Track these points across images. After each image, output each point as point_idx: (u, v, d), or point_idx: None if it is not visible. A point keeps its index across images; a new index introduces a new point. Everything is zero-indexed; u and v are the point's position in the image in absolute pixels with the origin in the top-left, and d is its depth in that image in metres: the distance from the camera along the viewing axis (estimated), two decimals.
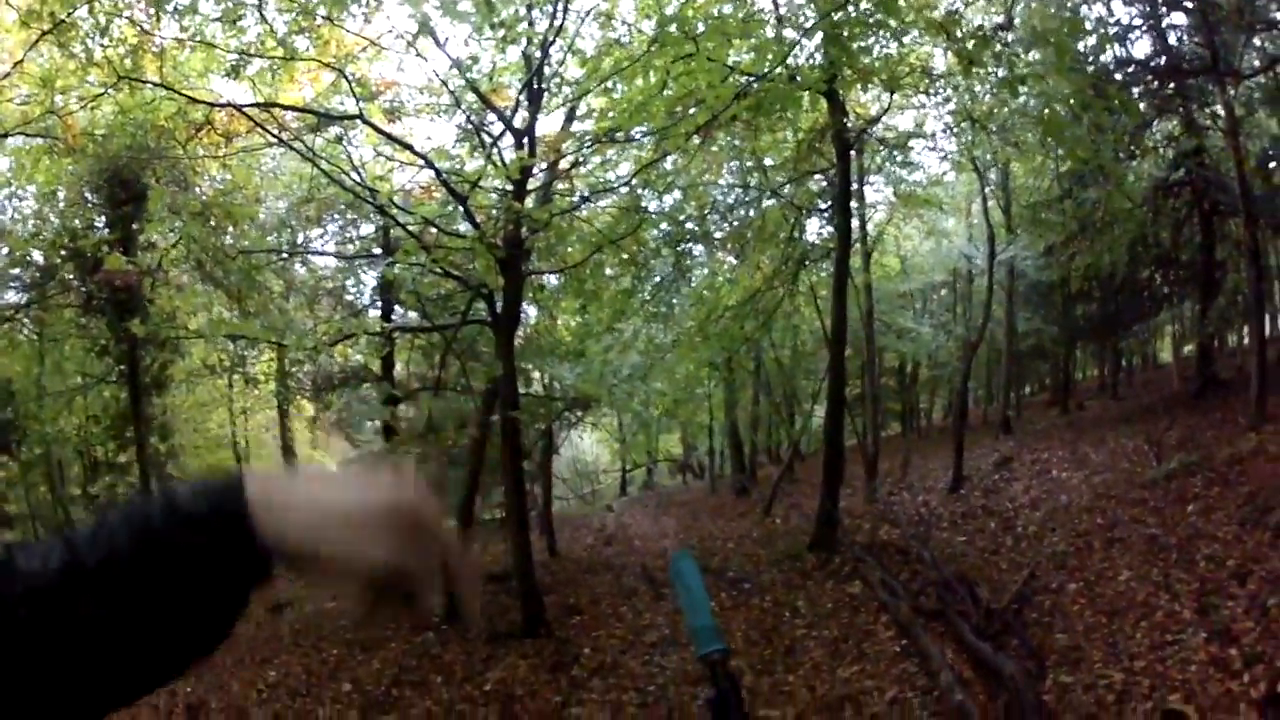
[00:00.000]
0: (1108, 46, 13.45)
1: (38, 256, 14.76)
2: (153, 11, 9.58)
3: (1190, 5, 13.72)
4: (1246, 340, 15.06)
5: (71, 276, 14.13)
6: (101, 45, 9.79)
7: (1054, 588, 8.13)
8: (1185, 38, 14.77)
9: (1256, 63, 13.62)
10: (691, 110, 7.88)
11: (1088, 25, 13.58)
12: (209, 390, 17.14)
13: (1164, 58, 14.38)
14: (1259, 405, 11.16)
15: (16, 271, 14.95)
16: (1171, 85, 14.35)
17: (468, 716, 8.00)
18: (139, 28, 9.70)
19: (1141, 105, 14.05)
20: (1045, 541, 9.70)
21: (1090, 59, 13.04)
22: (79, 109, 11.07)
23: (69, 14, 9.39)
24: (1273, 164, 15.42)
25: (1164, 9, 14.64)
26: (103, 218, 13.85)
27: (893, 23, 8.22)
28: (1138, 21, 14.64)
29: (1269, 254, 16.47)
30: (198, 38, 9.38)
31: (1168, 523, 8.67)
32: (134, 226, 13.60)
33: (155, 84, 9.59)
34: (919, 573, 9.41)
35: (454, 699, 8.62)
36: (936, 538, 10.56)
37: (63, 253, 13.79)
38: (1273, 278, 16.99)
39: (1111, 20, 14.19)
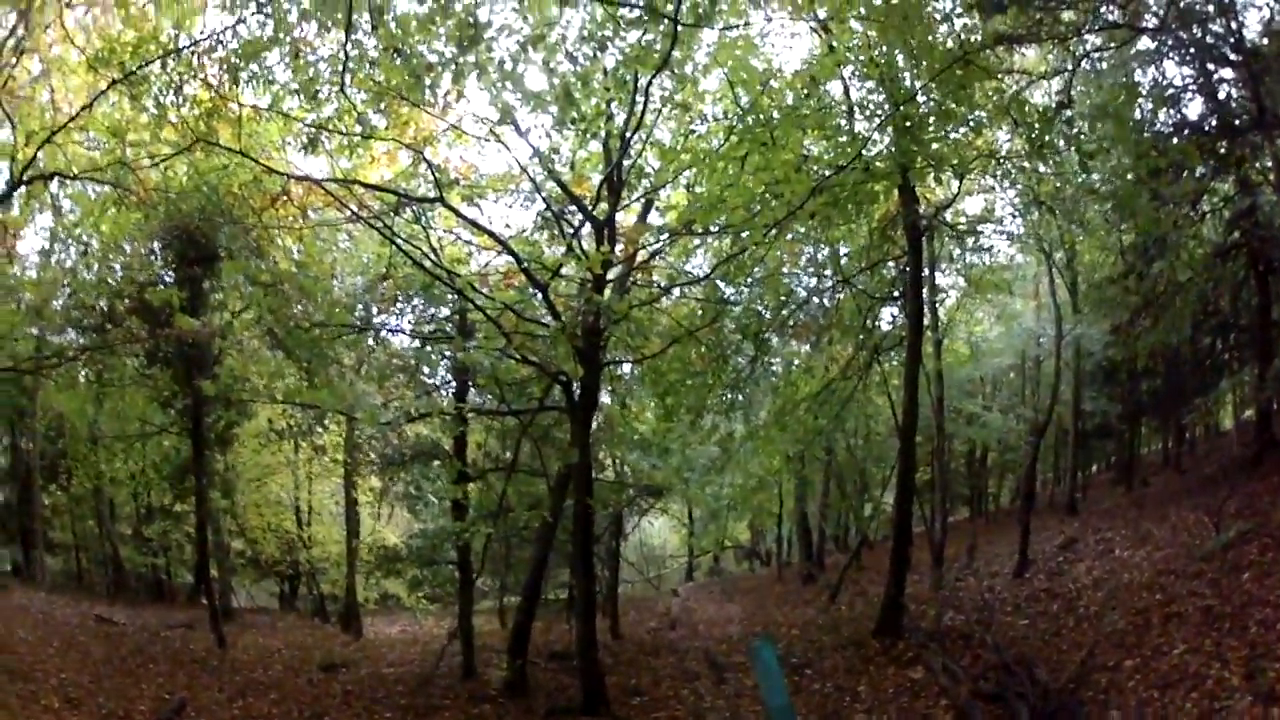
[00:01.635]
0: (1161, 111, 13.47)
1: (101, 303, 15.04)
2: (228, 77, 9.63)
3: (1236, 59, 13.68)
4: None
5: (136, 328, 14.45)
6: (175, 103, 9.73)
7: (1111, 666, 8.14)
8: (1233, 93, 14.69)
9: None
10: (771, 203, 8.05)
11: (1142, 91, 13.64)
12: (274, 453, 17.43)
13: (1215, 116, 14.33)
14: None
15: (78, 314, 15.22)
16: (1224, 143, 14.29)
17: None
18: (214, 91, 9.67)
19: (1199, 170, 14.02)
20: (1105, 620, 9.67)
21: (1146, 126, 13.06)
22: (151, 165, 11.25)
23: (139, 67, 9.38)
24: None
25: (1213, 66, 14.60)
26: (170, 274, 14.12)
27: (962, 109, 8.36)
28: (1189, 82, 14.62)
29: None
30: (274, 108, 9.54)
31: (1223, 593, 8.60)
32: (204, 285, 13.82)
33: (230, 149, 9.63)
34: (980, 657, 9.41)
35: None
36: (1000, 621, 10.53)
37: (126, 301, 14.06)
38: None
39: (1164, 83, 14.19)
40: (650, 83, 8.07)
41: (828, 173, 7.97)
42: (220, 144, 9.78)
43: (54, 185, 12.99)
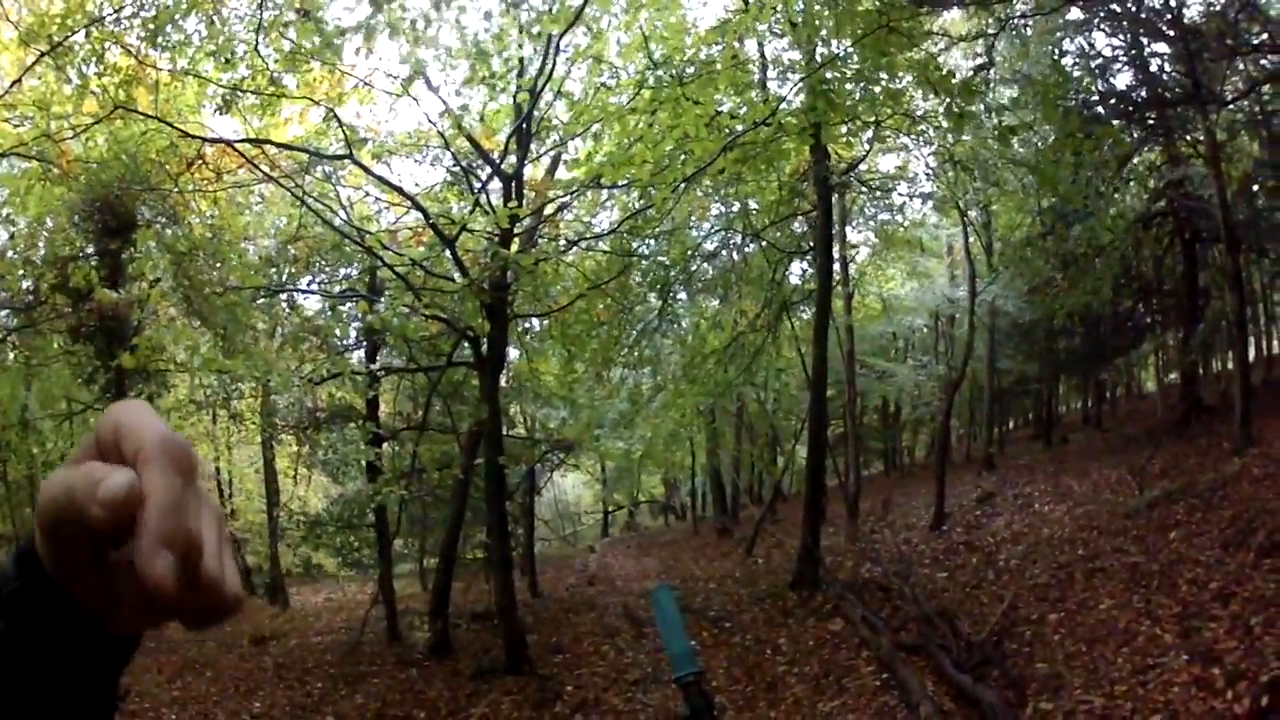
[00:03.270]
0: (1088, 79, 13.63)
1: (26, 283, 14.71)
2: (146, 42, 9.58)
3: (1172, 34, 13.86)
4: (1230, 365, 15.19)
5: (60, 303, 14.12)
6: (96, 72, 9.74)
7: (1035, 619, 8.18)
8: (1167, 67, 14.92)
9: (1241, 86, 13.74)
10: (680, 159, 7.97)
11: (1068, 59, 13.79)
12: (194, 425, 17.13)
13: (1145, 89, 14.54)
14: (1243, 429, 11.20)
15: (5, 295, 14.88)
16: (1153, 116, 14.52)
17: None
18: (133, 57, 9.68)
19: (1124, 137, 14.21)
20: (1026, 574, 9.77)
21: (1072, 94, 13.21)
22: (73, 136, 11.07)
23: (66, 37, 9.34)
24: (1255, 188, 15.59)
25: (1146, 39, 14.81)
26: (91, 247, 13.83)
27: (884, 76, 8.33)
28: (1119, 54, 14.82)
29: (1251, 278, 16.66)
30: (190, 71, 9.44)
31: (1150, 550, 8.68)
32: (123, 257, 13.60)
33: (148, 115, 9.61)
34: (900, 609, 9.48)
35: None
36: (918, 574, 10.61)
37: (50, 279, 13.77)
38: (1256, 301, 17.18)
39: (1093, 53, 14.37)
40: (561, 37, 7.98)
41: (739, 129, 7.91)
42: (139, 110, 9.67)
43: None
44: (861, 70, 8.07)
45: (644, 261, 10.35)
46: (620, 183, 8.19)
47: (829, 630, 9.35)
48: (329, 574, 17.22)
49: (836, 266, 12.58)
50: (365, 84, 9.43)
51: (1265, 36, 13.29)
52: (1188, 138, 15.08)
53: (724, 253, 12.66)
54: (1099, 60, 14.22)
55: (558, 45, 8.20)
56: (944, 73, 8.30)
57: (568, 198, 8.83)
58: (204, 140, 10.26)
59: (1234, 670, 5.42)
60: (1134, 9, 13.89)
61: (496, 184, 8.66)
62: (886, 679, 7.54)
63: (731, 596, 11.75)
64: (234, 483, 19.30)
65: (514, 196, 8.54)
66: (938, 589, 9.98)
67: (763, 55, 9.58)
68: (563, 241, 9.35)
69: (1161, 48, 15.09)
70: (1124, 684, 5.96)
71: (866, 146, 11.02)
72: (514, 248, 8.50)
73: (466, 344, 9.09)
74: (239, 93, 9.36)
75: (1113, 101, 14.05)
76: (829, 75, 7.73)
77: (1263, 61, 14.30)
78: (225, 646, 12.43)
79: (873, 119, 8.91)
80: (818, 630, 9.44)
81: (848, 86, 8.40)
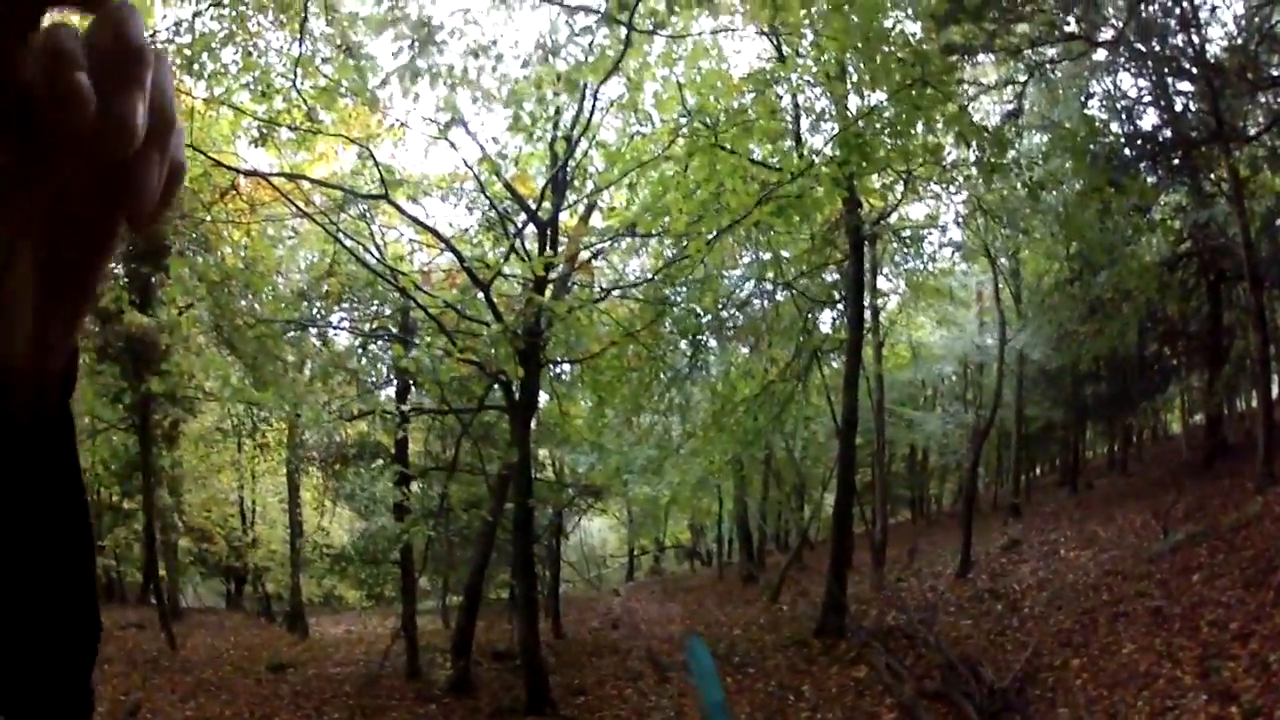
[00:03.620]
0: (1114, 122, 13.63)
1: None
2: (181, 69, 9.74)
3: (1195, 72, 13.85)
4: (1255, 404, 15.08)
5: (88, 324, 14.27)
6: None
7: (1058, 665, 8.22)
8: (1190, 105, 14.89)
9: (1263, 121, 13.70)
10: (714, 210, 8.03)
11: (1094, 102, 13.79)
12: (220, 451, 17.22)
13: (1170, 129, 14.52)
14: (1265, 467, 11.11)
15: None
16: (1178, 156, 14.49)
17: None
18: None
19: (1150, 179, 14.19)
20: (1050, 620, 9.79)
21: (1097, 137, 13.21)
22: None
23: None
24: (1278, 223, 15.49)
25: (1170, 79, 14.79)
26: (120, 269, 13.97)
27: (917, 128, 8.35)
28: (1144, 95, 14.81)
29: (1276, 315, 16.55)
30: (225, 102, 9.56)
31: (1172, 594, 8.70)
32: (152, 281, 13.72)
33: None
34: (924, 656, 9.50)
35: None
36: (943, 621, 10.60)
37: None
38: None
39: (1119, 95, 14.37)
40: (599, 87, 8.06)
41: (773, 181, 7.96)
42: None
43: None
44: (895, 122, 8.12)
45: (675, 309, 10.40)
46: (654, 232, 8.25)
47: (853, 677, 9.38)
48: (349, 606, 17.22)
49: (867, 315, 12.59)
50: (402, 124, 9.55)
51: None
52: (1211, 176, 15.03)
53: (755, 301, 12.71)
54: (1125, 102, 14.22)
55: (595, 94, 8.29)
56: (974, 123, 8.35)
57: (603, 245, 8.90)
58: (237, 171, 10.38)
59: (1250, 707, 5.46)
60: (1158, 48, 13.88)
61: (531, 230, 8.74)
62: None
63: (756, 643, 11.74)
64: (257, 510, 19.41)
65: (549, 243, 8.61)
66: (962, 636, 10.01)
67: (796, 105, 9.64)
68: (598, 289, 9.41)
69: (1185, 86, 15.08)
70: None
71: (898, 197, 11.07)
72: (548, 294, 8.57)
73: (498, 387, 9.15)
74: (274, 126, 9.46)
75: (1139, 143, 14.04)
76: (862, 125, 7.78)
77: None
78: (242, 671, 12.46)
79: (905, 169, 8.95)
80: (841, 677, 9.46)
81: (882, 138, 8.45)
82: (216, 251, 12.13)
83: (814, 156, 7.72)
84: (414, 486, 11.72)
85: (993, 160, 7.77)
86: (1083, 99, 13.16)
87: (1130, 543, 11.57)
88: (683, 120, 8.30)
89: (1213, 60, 12.94)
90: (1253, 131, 14.31)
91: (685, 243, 8.03)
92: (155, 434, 14.53)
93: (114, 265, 14.18)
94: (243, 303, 11.16)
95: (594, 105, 8.24)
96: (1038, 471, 24.82)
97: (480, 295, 8.33)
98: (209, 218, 11.80)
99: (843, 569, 11.05)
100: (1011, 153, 9.38)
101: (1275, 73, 12.74)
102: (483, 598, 11.54)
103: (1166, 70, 14.40)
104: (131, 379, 13.88)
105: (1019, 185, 9.19)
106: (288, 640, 15.50)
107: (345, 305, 11.17)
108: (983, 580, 12.35)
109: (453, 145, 8.47)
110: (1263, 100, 14.02)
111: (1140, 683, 6.79)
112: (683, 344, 11.50)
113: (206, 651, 13.62)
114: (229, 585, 21.23)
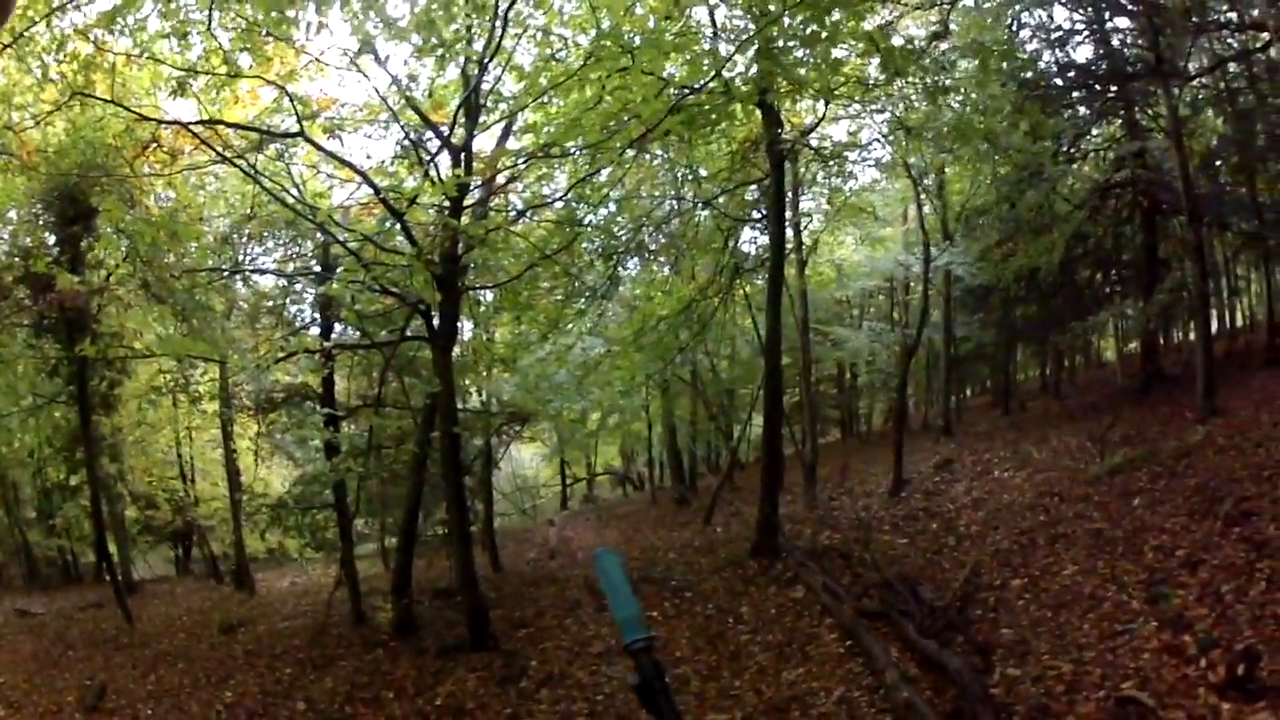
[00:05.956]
0: (1047, 52, 13.74)
1: None
2: (103, 26, 9.61)
3: (1135, 9, 13.93)
4: (1192, 336, 15.34)
5: (24, 297, 14.00)
6: (57, 60, 9.74)
7: (998, 585, 8.17)
8: (1129, 41, 15.01)
9: (1206, 63, 13.84)
10: (628, 123, 7.96)
11: (1026, 32, 13.88)
12: (156, 412, 17.07)
13: (1106, 62, 14.65)
14: (1206, 398, 11.27)
15: None
16: (1114, 89, 14.63)
17: None
18: (92, 42, 9.69)
19: (1083, 109, 14.33)
20: (988, 540, 9.75)
21: (1028, 66, 13.31)
22: (33, 126, 11.07)
23: (29, 28, 9.40)
24: (1218, 163, 15.73)
25: (1107, 14, 14.90)
26: (53, 237, 13.73)
27: (824, 34, 8.33)
28: (1080, 27, 14.92)
29: (1214, 251, 16.84)
30: (146, 54, 9.41)
31: (1113, 517, 8.70)
32: (83, 245, 13.51)
33: (106, 100, 9.60)
34: (861, 575, 9.51)
35: (406, 714, 8.63)
36: (878, 541, 10.63)
37: (15, 274, 13.69)
38: (1219, 275, 17.37)
39: (1052, 26, 14.48)
40: (510, 7, 7.94)
41: (687, 94, 7.90)
42: (96, 96, 9.69)
43: None
44: (809, 36, 8.07)
45: (592, 230, 10.35)
46: (569, 147, 8.16)
47: (790, 598, 9.35)
48: (293, 558, 17.26)
49: (790, 233, 12.63)
50: (317, 60, 9.39)
51: (1233, 15, 13.40)
52: (1149, 112, 15.19)
53: (675, 220, 12.66)
54: (1059, 33, 14.33)
55: (505, 17, 8.16)
56: (888, 41, 8.34)
57: (516, 167, 8.82)
58: (159, 123, 10.22)
59: (1207, 638, 5.39)
60: None
61: (447, 157, 8.63)
62: (850, 646, 7.54)
63: (692, 566, 11.73)
64: (196, 468, 19.25)
65: (464, 168, 8.52)
66: (898, 555, 10.01)
67: (714, 23, 9.58)
68: (512, 212, 9.35)
69: (1124, 22, 15.19)
70: (1092, 650, 5.97)
71: (818, 114, 11.04)
72: (464, 219, 8.49)
73: (419, 318, 9.07)
74: (193, 74, 9.31)
75: (1071, 74, 14.17)
76: (772, 36, 7.73)
77: (1229, 40, 14.43)
78: (196, 636, 12.46)
79: (823, 87, 8.94)
80: (779, 598, 9.43)
81: (797, 54, 8.41)
82: (141, 206, 11.94)
83: (723, 63, 7.64)
84: (346, 428, 11.65)
85: (897, 67, 7.73)
86: (1012, 26, 13.23)
87: (1066, 465, 11.61)
88: (598, 44, 8.21)
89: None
90: (1195, 72, 14.44)
91: (599, 157, 7.98)
92: (94, 401, 14.31)
93: (46, 232, 13.91)
94: (170, 257, 11.00)
95: (505, 28, 8.11)
96: (969, 393, 24.97)
97: (398, 225, 8.23)
98: (133, 173, 11.61)
99: (775, 489, 11.03)
100: (927, 69, 9.39)
101: (1222, 17, 12.86)
102: (419, 535, 11.54)
103: (1105, 5, 14.50)
104: (68, 349, 13.67)
105: (940, 99, 9.20)
106: (236, 599, 15.50)
107: (269, 247, 11.07)
108: (916, 499, 12.37)
109: (363, 74, 8.34)
110: (1206, 45, 14.18)
111: (1085, 605, 6.79)
112: (599, 264, 11.47)
113: (161, 622, 13.68)
114: (177, 550, 21.15)
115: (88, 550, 18.78)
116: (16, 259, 13.64)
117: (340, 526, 12.31)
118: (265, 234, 10.68)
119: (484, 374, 12.29)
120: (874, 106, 10.51)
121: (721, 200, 11.57)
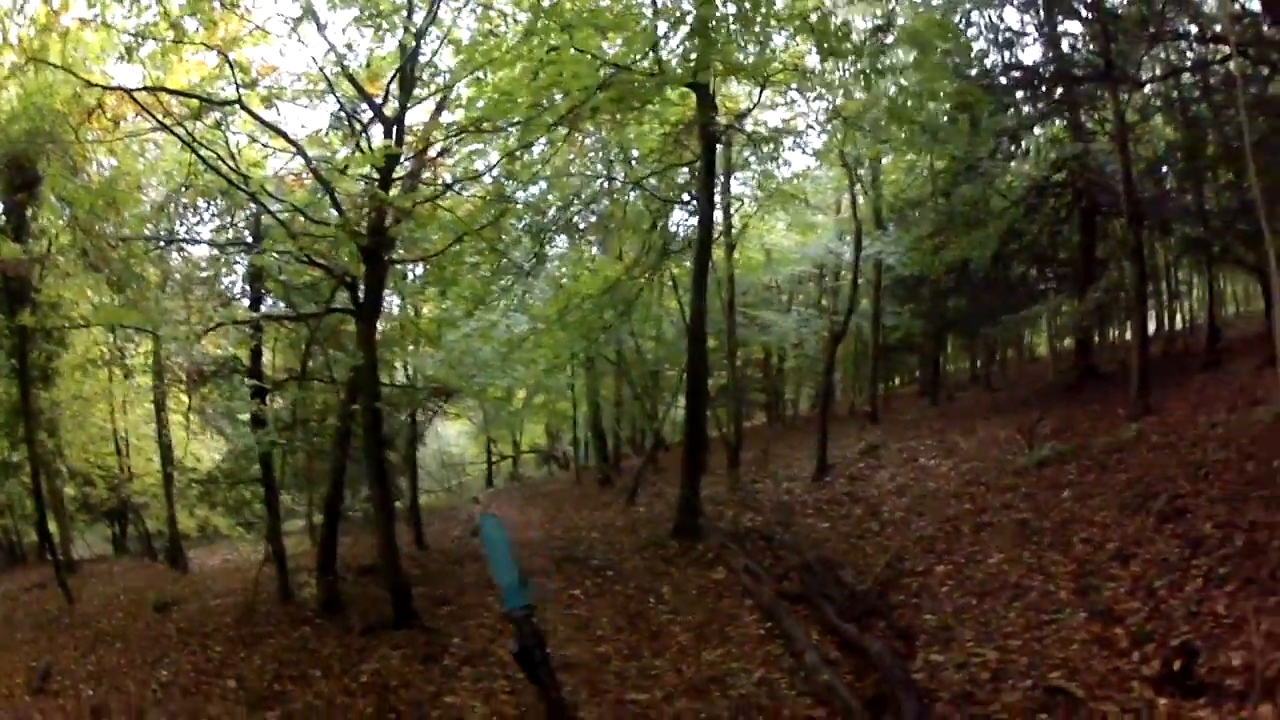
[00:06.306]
0: (995, 52, 13.97)
1: None
2: None
3: (1088, 15, 14.13)
4: (1129, 335, 15.63)
5: None
6: (17, 25, 9.98)
7: (921, 571, 8.28)
8: (1080, 45, 15.22)
9: (1159, 71, 14.07)
10: (557, 99, 8.02)
11: (974, 30, 14.09)
12: (91, 384, 16.90)
13: (1054, 64, 14.88)
14: (1141, 396, 11.43)
15: None
16: (1060, 90, 14.87)
17: (347, 709, 7.89)
18: (49, 7, 9.77)
19: (1026, 109, 14.59)
20: (912, 526, 9.85)
21: (974, 63, 13.51)
22: None
23: None
24: (1164, 169, 16.04)
25: (1060, 18, 15.12)
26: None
27: (759, 17, 8.43)
28: (1030, 29, 15.17)
29: (1156, 255, 17.19)
30: (100, 18, 9.38)
31: (1041, 508, 8.78)
32: (28, 213, 13.32)
33: (57, 66, 9.58)
34: (782, 558, 9.60)
35: (333, 692, 8.52)
36: (800, 524, 10.70)
37: None
38: (1159, 277, 17.75)
39: (1002, 26, 14.71)
40: None
41: (616, 71, 7.98)
42: (49, 62, 9.67)
43: None
44: (745, 16, 8.16)
45: (520, 206, 10.39)
46: (500, 123, 8.21)
47: (711, 579, 9.42)
48: (225, 535, 17.14)
49: (719, 216, 12.77)
50: (260, 28, 9.36)
51: (1194, 28, 13.61)
52: (1095, 115, 15.43)
53: (604, 200, 12.73)
54: (1007, 34, 14.56)
55: None
56: (827, 24, 8.45)
57: (449, 140, 8.84)
58: (104, 88, 10.17)
59: (1140, 632, 5.39)
60: None
61: (380, 128, 8.64)
62: (770, 628, 7.60)
63: (614, 546, 11.78)
64: (131, 444, 19.04)
65: (396, 140, 8.53)
66: (820, 539, 10.11)
67: (654, 3, 9.63)
68: (440, 186, 9.38)
69: (1075, 26, 15.40)
70: (1018, 638, 5.97)
71: (754, 99, 11.14)
72: (394, 191, 8.49)
73: (345, 290, 9.06)
74: (140, 39, 9.28)
75: (1017, 73, 14.41)
76: (707, 16, 7.81)
77: (1186, 50, 14.67)
78: (131, 615, 12.39)
79: (757, 70, 9.02)
80: (700, 579, 9.49)
81: (733, 37, 8.50)
82: (84, 173, 11.83)
83: (658, 40, 7.72)
84: (274, 403, 11.59)
85: (834, 47, 7.83)
86: (961, 24, 13.41)
87: (994, 455, 11.73)
88: (535, 19, 8.26)
89: (1109, 6, 13.16)
90: (1146, 79, 14.67)
91: (529, 132, 8.02)
92: (32, 374, 14.11)
93: None
94: (109, 227, 10.91)
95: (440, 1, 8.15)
96: (898, 382, 25.05)
97: (327, 196, 8.23)
98: (77, 139, 11.50)
99: (696, 471, 11.09)
100: (879, 60, 9.50)
101: (1181, 27, 13.07)
102: (344, 511, 11.48)
103: (1057, 9, 14.71)
104: (9, 319, 13.45)
105: (877, 90, 9.32)
106: (170, 578, 15.37)
107: (204, 218, 11.02)
108: (840, 484, 12.48)
109: (302, 42, 8.33)
110: (1161, 55, 14.41)
111: (1011, 594, 6.81)
112: (526, 240, 11.51)
113: (100, 601, 13.63)
114: (114, 528, 20.84)
115: (30, 530, 18.52)
116: None
117: (267, 502, 12.19)
118: (200, 204, 10.63)
119: (410, 349, 12.31)
120: (811, 94, 10.65)
121: (652, 181, 11.61)
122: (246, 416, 11.61)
